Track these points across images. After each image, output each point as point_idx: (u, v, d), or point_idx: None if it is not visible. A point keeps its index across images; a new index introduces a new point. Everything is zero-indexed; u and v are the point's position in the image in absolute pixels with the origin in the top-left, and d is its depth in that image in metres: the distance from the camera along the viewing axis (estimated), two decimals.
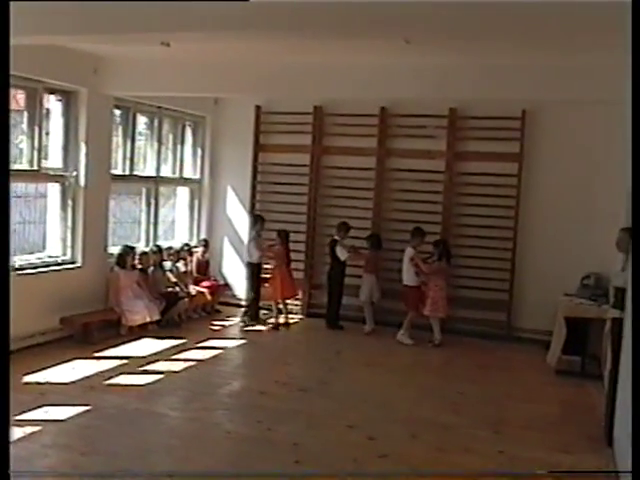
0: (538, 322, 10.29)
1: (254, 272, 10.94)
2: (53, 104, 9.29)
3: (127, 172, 10.57)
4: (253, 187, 11.81)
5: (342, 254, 10.63)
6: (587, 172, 10.17)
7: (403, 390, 7.95)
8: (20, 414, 6.26)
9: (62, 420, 6.38)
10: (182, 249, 11.22)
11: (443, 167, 10.77)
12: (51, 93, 9.15)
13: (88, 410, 6.66)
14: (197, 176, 12.25)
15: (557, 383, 8.51)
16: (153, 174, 11.14)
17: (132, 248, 10.02)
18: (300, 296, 11.42)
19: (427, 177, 10.84)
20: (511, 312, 10.61)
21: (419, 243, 10.22)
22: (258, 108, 11.68)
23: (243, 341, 9.90)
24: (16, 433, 5.90)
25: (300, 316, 11.38)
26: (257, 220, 10.98)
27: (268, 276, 10.99)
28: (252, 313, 10.90)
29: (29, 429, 6.08)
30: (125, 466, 5.47)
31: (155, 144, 11.16)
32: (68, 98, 9.38)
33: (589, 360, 8.77)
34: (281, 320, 10.81)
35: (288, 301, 11.01)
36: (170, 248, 11.00)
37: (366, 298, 10.65)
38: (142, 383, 7.61)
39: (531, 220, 10.54)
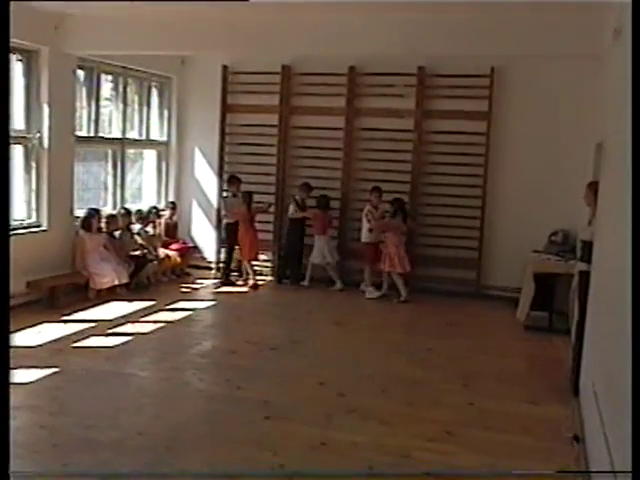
0: (507, 279, 10.38)
1: (227, 232, 10.99)
2: (13, 64, 9.06)
3: (92, 134, 10.40)
4: (221, 148, 11.68)
5: (290, 211, 10.74)
6: (555, 129, 10.20)
7: (373, 347, 8.01)
8: None
9: (30, 382, 6.33)
10: (150, 212, 11.12)
11: (412, 126, 10.74)
12: (11, 52, 8.91)
13: (56, 372, 6.62)
14: (164, 138, 12.09)
15: (525, 338, 8.62)
16: (119, 136, 10.97)
17: (97, 211, 9.91)
18: (270, 258, 11.42)
19: (396, 136, 10.81)
20: (480, 270, 10.69)
21: (376, 202, 10.38)
22: (225, 68, 11.52)
23: (213, 302, 9.90)
24: None
25: (270, 277, 11.37)
26: (232, 181, 10.97)
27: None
28: (222, 274, 10.96)
29: None
30: (95, 424, 5.46)
31: (120, 106, 10.96)
32: (29, 58, 9.16)
33: (556, 315, 8.90)
34: (250, 282, 10.81)
35: (255, 262, 11.01)
36: (139, 211, 10.89)
37: (317, 260, 10.71)
38: (111, 345, 7.58)
39: (500, 178, 10.58)
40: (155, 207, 11.39)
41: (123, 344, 7.64)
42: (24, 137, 9.19)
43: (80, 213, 9.91)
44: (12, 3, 7.84)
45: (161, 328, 8.36)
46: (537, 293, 8.88)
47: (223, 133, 11.67)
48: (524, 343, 8.44)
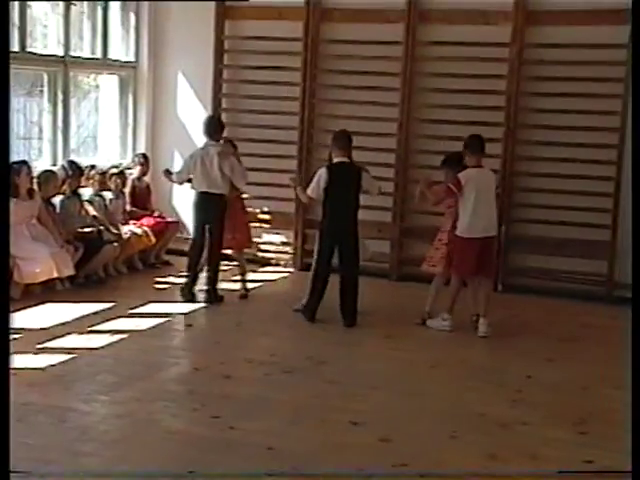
0: None
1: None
2: None
3: (17, 48, 10.39)
4: (217, 74, 11.75)
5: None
6: None
7: (437, 372, 8.04)
8: None
9: None
10: (110, 170, 11.21)
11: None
12: None
13: None
14: (130, 58, 12.21)
15: None
16: (60, 53, 11.06)
17: (26, 164, 9.92)
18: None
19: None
20: (614, 261, 10.54)
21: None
22: None
23: (202, 304, 9.96)
24: None
25: (290, 269, 11.54)
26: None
27: None
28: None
29: None
30: None
31: (61, 5, 11.00)
32: None
33: None
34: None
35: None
36: (92, 167, 10.98)
37: None
38: (41, 366, 7.62)
39: None
40: (116, 166, 11.50)
41: (60, 364, 7.69)
42: None
43: None
44: None
45: (120, 341, 8.44)
46: None
47: (220, 50, 11.73)
48: None
